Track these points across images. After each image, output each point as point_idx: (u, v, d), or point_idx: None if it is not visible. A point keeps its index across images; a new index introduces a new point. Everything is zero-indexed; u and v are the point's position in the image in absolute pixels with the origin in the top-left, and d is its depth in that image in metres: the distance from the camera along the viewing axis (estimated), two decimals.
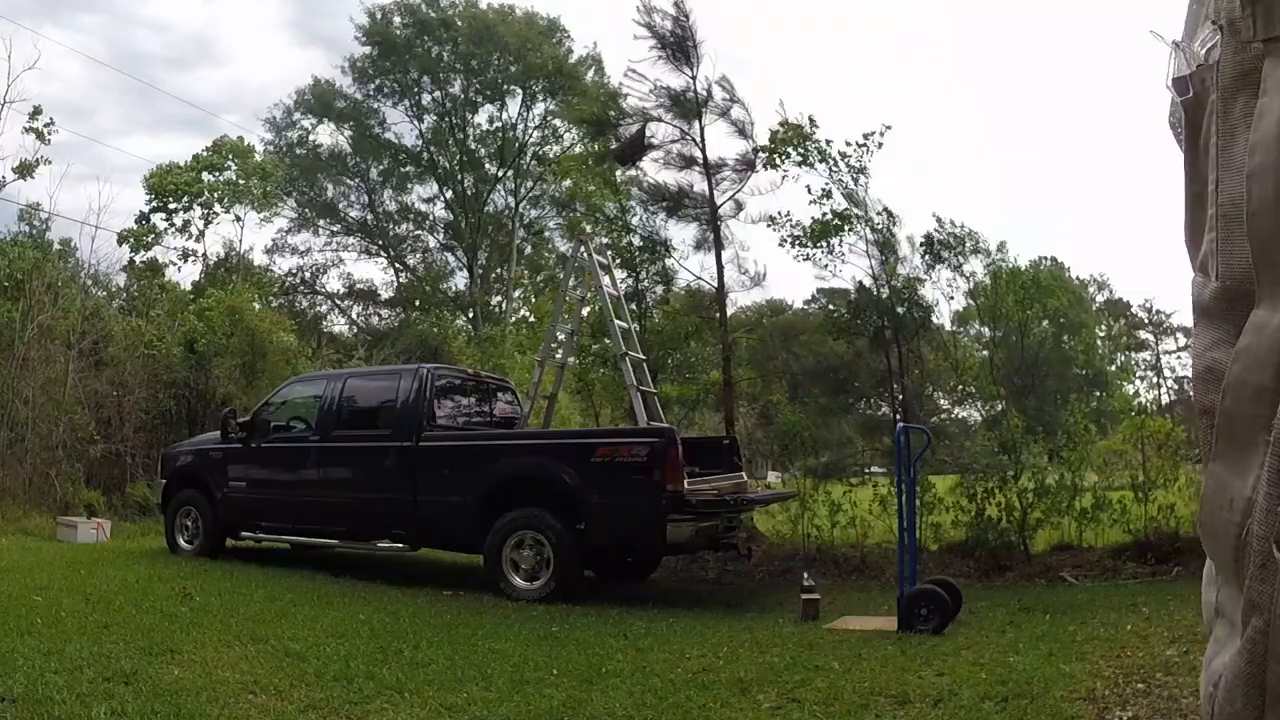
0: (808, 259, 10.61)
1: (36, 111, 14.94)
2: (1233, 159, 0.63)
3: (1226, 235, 0.62)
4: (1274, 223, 0.57)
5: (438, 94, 29.88)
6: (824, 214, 10.51)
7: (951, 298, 10.72)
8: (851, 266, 10.65)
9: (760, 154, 10.69)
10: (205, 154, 24.10)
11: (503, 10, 29.54)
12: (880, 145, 10.43)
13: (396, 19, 29.08)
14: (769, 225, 10.69)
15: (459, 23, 28.86)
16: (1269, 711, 0.57)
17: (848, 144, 10.44)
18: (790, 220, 10.63)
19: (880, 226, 10.45)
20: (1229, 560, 0.60)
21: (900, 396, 10.39)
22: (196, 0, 41.90)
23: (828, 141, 10.51)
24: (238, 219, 23.81)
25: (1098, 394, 10.76)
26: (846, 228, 10.46)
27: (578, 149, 21.88)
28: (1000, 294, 10.32)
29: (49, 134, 15.02)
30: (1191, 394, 0.69)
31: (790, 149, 10.54)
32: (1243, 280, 0.61)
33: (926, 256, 10.38)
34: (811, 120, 10.60)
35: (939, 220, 10.59)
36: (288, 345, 16.06)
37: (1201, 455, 0.66)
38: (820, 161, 10.44)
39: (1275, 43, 0.59)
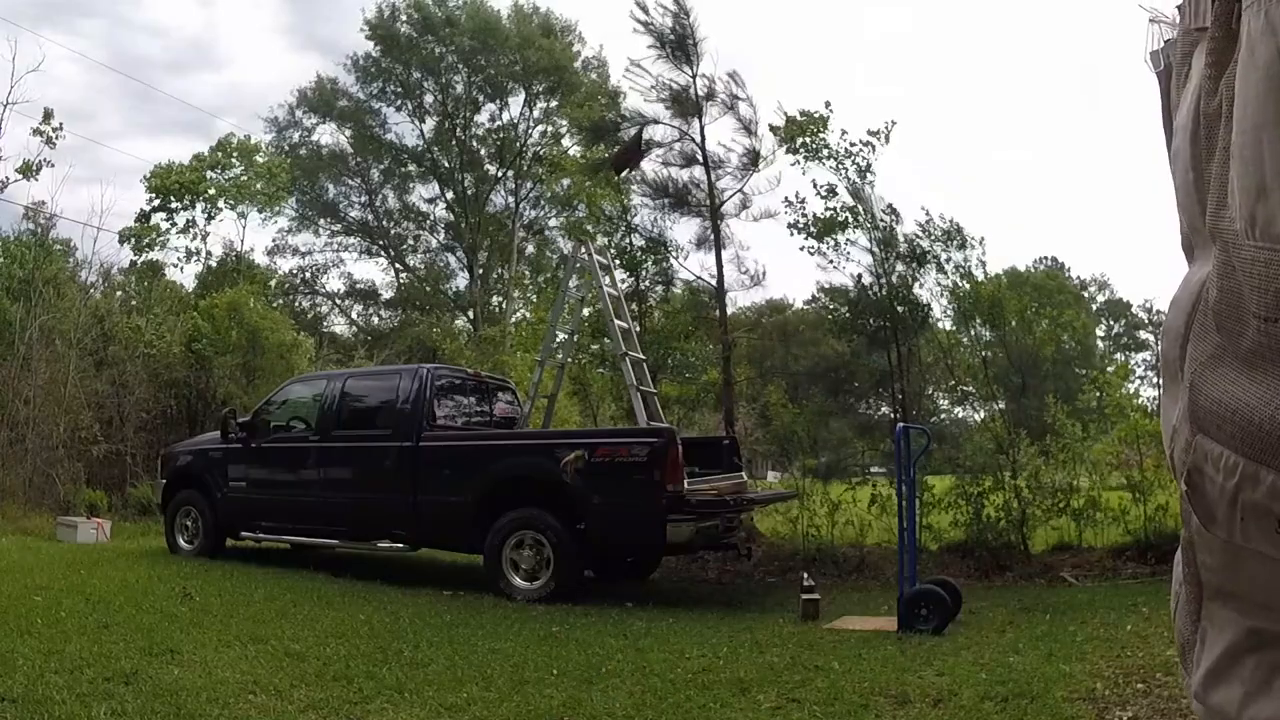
0: (815, 252, 10.57)
1: (48, 116, 14.95)
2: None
3: (1179, 201, 0.69)
4: (1189, 201, 0.64)
5: (439, 95, 29.87)
6: (829, 210, 10.49)
7: (942, 298, 10.71)
8: (854, 264, 10.64)
9: (763, 157, 10.69)
10: (209, 152, 24.06)
11: (516, 8, 29.55)
12: (887, 141, 10.41)
13: (403, 16, 29.08)
14: (784, 204, 10.64)
15: (464, 19, 28.82)
16: (1203, 624, 0.64)
17: (851, 144, 10.42)
18: (802, 207, 10.59)
19: (883, 225, 10.43)
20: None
21: (900, 396, 10.37)
22: (194, 5, 41.95)
23: (843, 132, 10.50)
24: (241, 216, 23.75)
25: (1098, 394, 10.69)
26: (853, 222, 10.44)
27: (577, 150, 21.85)
28: (984, 294, 10.28)
29: (58, 138, 15.04)
30: None
31: (803, 137, 10.47)
32: (1186, 239, 0.68)
33: (912, 263, 10.36)
34: (827, 104, 10.61)
35: (924, 221, 10.56)
36: (290, 342, 15.98)
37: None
38: (829, 158, 10.42)
39: (1202, 33, 0.63)
